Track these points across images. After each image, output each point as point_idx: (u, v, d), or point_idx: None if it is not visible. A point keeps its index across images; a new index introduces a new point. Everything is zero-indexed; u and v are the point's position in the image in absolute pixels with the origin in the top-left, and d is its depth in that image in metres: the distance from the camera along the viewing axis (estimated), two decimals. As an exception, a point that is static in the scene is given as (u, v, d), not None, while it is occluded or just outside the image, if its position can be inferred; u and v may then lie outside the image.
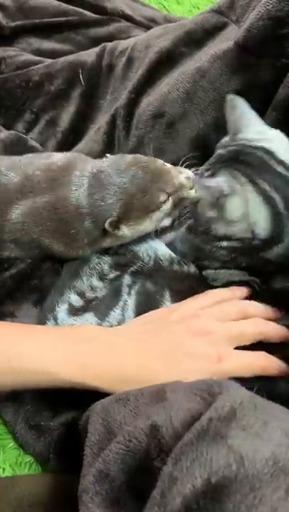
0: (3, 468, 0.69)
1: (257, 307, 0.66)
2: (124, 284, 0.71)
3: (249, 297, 0.68)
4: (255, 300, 0.68)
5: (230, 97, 0.72)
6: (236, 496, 0.36)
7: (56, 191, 0.72)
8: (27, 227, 0.73)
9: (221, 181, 0.66)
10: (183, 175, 0.72)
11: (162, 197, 0.71)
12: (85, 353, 0.60)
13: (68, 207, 0.71)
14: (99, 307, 0.70)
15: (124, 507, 0.46)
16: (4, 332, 0.63)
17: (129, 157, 0.74)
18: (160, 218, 0.73)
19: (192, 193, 0.72)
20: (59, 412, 0.70)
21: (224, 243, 0.69)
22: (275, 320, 0.65)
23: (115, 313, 0.69)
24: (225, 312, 0.64)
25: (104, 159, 0.75)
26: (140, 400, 0.53)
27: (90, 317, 0.69)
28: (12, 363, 0.59)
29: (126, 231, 0.72)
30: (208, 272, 0.73)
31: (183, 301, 0.67)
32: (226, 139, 0.74)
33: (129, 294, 0.70)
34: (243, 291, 0.68)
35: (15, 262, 0.76)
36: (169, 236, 0.79)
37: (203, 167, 0.73)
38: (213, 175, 0.69)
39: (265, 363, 0.61)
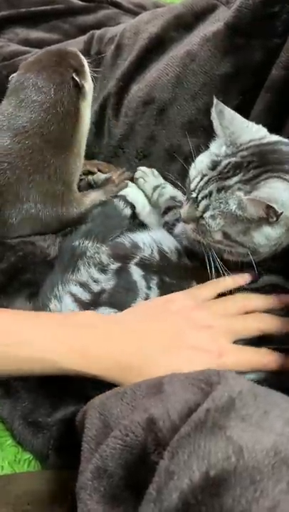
0: (2, 466, 0.68)
1: (259, 300, 0.64)
2: (135, 276, 0.69)
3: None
4: None
5: (215, 101, 0.64)
6: (236, 490, 0.34)
7: None
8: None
9: (281, 188, 0.57)
10: None
11: None
12: (84, 341, 0.59)
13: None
14: (113, 300, 0.68)
15: (123, 503, 0.44)
16: (6, 321, 0.61)
17: None
18: None
19: None
20: (57, 408, 0.68)
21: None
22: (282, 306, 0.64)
23: None
24: (227, 307, 0.64)
25: None
26: (137, 392, 0.51)
27: (105, 311, 0.67)
28: (11, 351, 0.57)
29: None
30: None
31: (185, 291, 0.66)
32: (223, 148, 0.63)
33: (148, 287, 0.68)
34: (246, 278, 0.66)
35: (4, 255, 0.74)
36: (179, 228, 0.76)
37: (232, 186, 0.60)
38: (253, 186, 0.59)
39: (265, 358, 0.61)
